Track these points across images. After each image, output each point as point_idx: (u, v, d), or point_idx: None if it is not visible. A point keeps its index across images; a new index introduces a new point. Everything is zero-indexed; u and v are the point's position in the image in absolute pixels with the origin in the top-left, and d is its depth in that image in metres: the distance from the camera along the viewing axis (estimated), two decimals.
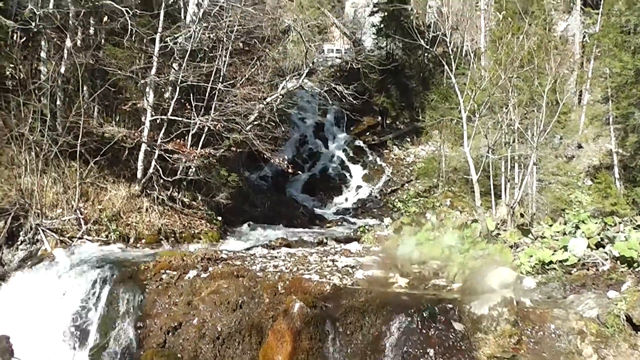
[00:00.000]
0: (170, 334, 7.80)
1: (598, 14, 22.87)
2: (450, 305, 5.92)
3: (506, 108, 13.60)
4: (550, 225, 10.86)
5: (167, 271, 8.66)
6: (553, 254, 7.82)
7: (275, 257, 9.87)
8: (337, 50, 28.04)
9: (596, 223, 10.34)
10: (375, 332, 5.87)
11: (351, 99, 17.81)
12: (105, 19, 14.05)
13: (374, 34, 28.45)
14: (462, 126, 10.61)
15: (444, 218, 13.73)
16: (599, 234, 9.15)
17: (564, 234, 10.09)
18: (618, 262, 7.04)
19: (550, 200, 16.50)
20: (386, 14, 27.65)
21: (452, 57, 12.03)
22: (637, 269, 6.75)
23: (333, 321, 6.20)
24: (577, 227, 10.43)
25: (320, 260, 9.50)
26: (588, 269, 7.29)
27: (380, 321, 5.91)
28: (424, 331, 5.72)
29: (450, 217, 12.41)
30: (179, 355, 7.54)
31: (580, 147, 21.91)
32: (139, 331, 8.03)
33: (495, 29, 21.38)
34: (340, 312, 6.27)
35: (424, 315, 5.79)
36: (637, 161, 17.97)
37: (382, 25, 28.00)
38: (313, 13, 23.92)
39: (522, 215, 12.24)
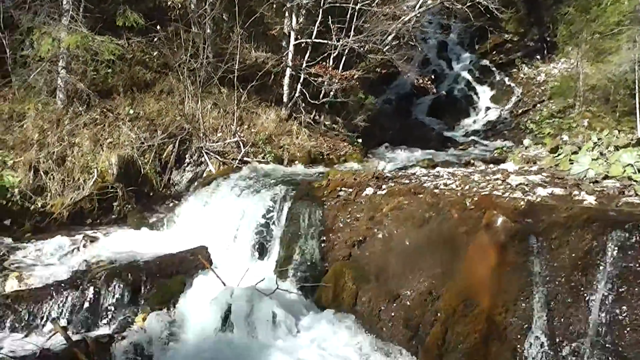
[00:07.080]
0: (355, 247, 8.13)
1: None
2: None
3: None
4: None
5: (343, 189, 8.95)
6: None
7: (438, 176, 9.85)
8: None
9: None
10: (585, 247, 5.78)
11: (490, 13, 17.08)
12: None
13: None
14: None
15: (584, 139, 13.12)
16: None
17: None
18: None
19: None
20: None
21: None
22: None
23: (536, 235, 6.18)
24: None
25: (485, 179, 9.37)
26: None
27: (590, 236, 5.81)
28: None
29: (608, 136, 11.78)
30: (365, 267, 7.89)
31: None
32: (322, 245, 8.43)
33: None
34: (542, 228, 6.20)
35: None
36: None
37: None
38: None
39: None
